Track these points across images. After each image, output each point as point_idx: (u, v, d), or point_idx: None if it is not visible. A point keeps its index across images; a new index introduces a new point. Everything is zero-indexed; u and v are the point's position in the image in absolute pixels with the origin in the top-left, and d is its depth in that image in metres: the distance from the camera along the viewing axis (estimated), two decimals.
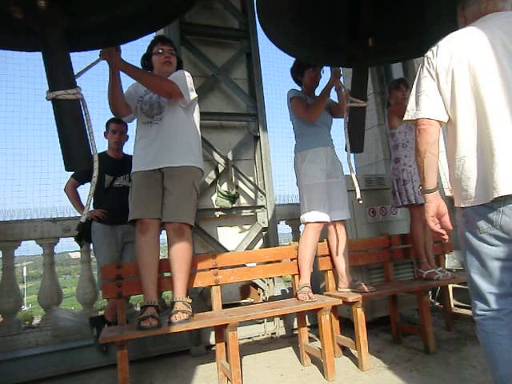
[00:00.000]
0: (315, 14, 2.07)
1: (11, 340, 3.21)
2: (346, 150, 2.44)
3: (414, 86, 1.59)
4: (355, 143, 2.43)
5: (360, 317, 2.58)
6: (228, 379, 2.51)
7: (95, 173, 1.83)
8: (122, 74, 2.36)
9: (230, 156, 3.79)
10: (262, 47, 4.07)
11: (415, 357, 2.70)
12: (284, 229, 4.36)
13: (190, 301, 2.36)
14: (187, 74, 2.54)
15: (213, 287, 2.60)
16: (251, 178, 3.88)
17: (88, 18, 1.76)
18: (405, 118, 1.60)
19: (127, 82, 2.51)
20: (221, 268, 2.65)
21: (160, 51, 2.56)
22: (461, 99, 1.46)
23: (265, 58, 4.11)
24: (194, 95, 2.53)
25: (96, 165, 1.81)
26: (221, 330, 2.55)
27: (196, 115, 2.60)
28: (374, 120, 4.75)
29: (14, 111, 3.60)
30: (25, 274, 26.30)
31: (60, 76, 1.62)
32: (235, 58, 4.04)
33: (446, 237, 1.61)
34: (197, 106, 2.64)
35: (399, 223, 3.64)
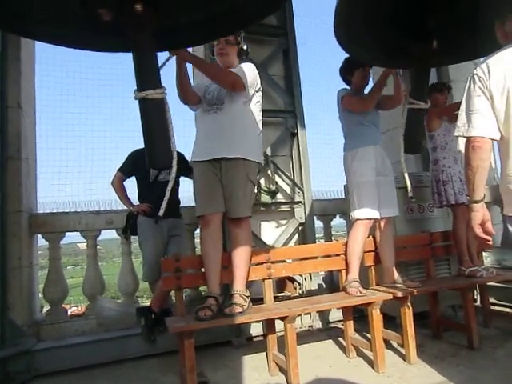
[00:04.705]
0: (382, 15, 2.11)
1: (59, 328, 3.32)
2: (404, 151, 2.49)
3: (465, 103, 1.66)
4: (411, 145, 2.48)
5: (408, 311, 2.66)
6: (280, 369, 2.60)
7: (174, 169, 1.89)
8: None
9: (268, 152, 3.85)
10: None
11: (459, 352, 2.77)
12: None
13: (248, 294, 2.43)
14: (252, 67, 2.55)
15: (265, 281, 2.67)
16: (288, 174, 3.94)
17: (172, 19, 1.82)
18: (456, 133, 1.69)
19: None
20: (273, 262, 2.72)
21: (216, 42, 2.58)
22: None
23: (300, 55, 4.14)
24: (256, 88, 2.55)
25: (175, 162, 1.87)
26: (272, 322, 2.63)
27: (257, 109, 2.60)
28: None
29: (62, 106, 3.67)
30: None
31: (149, 76, 1.68)
32: (273, 55, 4.08)
33: (491, 242, 1.69)
34: (259, 99, 2.63)
35: (436, 220, 3.68)
